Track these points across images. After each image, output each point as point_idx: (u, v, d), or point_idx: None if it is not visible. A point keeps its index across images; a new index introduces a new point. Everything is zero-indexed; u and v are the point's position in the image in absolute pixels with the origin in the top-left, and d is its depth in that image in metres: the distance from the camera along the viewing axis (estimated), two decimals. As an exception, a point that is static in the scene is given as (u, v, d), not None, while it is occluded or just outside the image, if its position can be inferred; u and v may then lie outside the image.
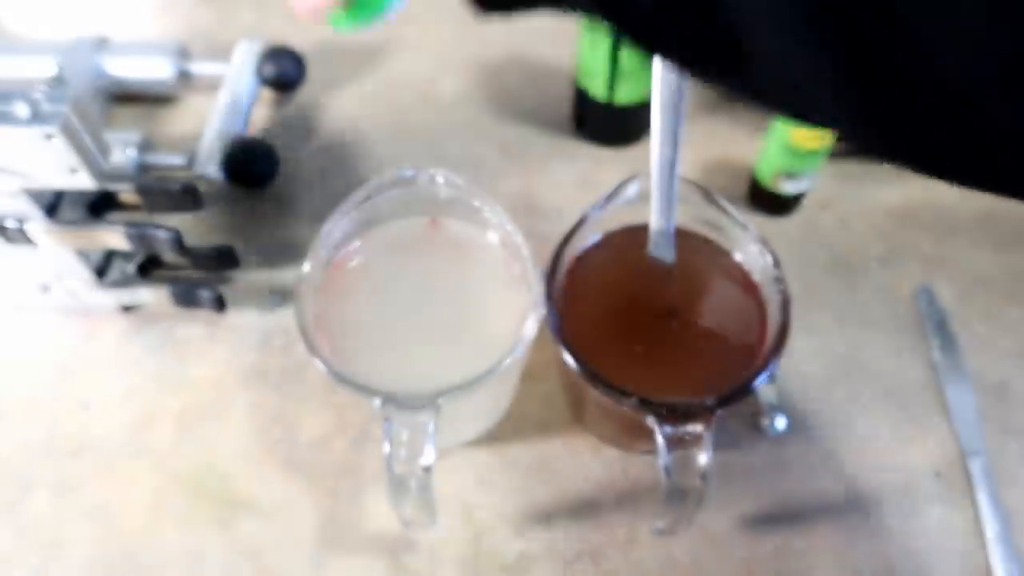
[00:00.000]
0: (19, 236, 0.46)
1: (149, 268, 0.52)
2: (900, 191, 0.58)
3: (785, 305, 0.40)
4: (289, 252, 0.56)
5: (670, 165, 0.36)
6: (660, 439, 0.36)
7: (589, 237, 0.45)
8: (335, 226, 0.44)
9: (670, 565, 0.43)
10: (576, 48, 0.56)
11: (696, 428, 0.36)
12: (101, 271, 0.50)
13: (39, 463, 0.48)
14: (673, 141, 0.35)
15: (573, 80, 0.59)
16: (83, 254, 0.49)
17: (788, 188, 0.54)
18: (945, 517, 0.44)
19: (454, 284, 0.46)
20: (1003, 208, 0.57)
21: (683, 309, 0.43)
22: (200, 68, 0.63)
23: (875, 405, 0.48)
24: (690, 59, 0.24)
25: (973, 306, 0.52)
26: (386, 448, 0.37)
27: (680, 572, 0.43)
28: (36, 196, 0.44)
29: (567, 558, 0.44)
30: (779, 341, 0.39)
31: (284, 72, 0.62)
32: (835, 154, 0.58)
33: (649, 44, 0.25)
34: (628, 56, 0.53)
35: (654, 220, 0.39)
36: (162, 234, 0.46)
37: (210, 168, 0.56)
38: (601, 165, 0.60)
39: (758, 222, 0.54)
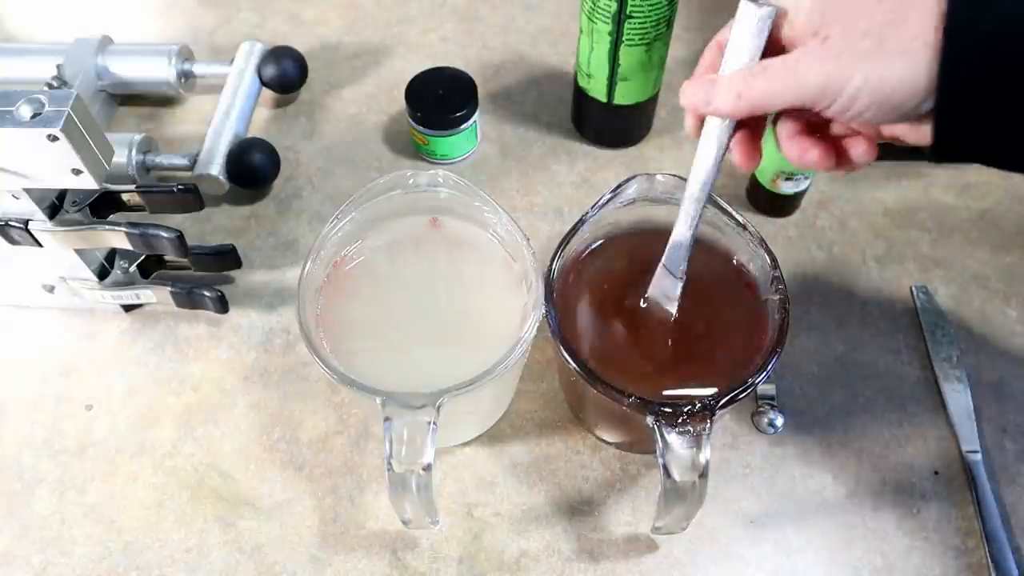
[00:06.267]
0: (23, 237, 0.46)
1: (151, 268, 0.52)
2: (898, 191, 0.58)
3: (784, 305, 0.41)
4: (290, 252, 0.56)
5: (709, 184, 0.37)
6: (660, 439, 0.37)
7: (589, 237, 0.45)
8: (336, 226, 0.45)
9: (670, 564, 0.44)
10: (576, 48, 0.56)
11: (695, 428, 0.36)
12: (104, 271, 0.51)
13: (42, 462, 0.48)
14: (717, 165, 0.36)
15: (573, 80, 0.59)
16: (86, 254, 0.49)
17: (787, 188, 0.54)
18: (943, 515, 0.45)
19: (454, 284, 0.46)
20: (1000, 208, 0.57)
21: (683, 309, 0.43)
22: (202, 69, 0.63)
23: (873, 404, 0.49)
24: None
25: (970, 306, 0.52)
26: (387, 447, 0.37)
27: (680, 571, 0.43)
28: (39, 197, 0.44)
29: (567, 557, 0.44)
30: (778, 341, 0.40)
31: (285, 73, 0.62)
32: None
33: None
34: (628, 56, 0.53)
35: (679, 232, 0.39)
36: (164, 234, 0.46)
37: (212, 168, 0.56)
38: (601, 165, 0.61)
39: (757, 222, 0.54)
